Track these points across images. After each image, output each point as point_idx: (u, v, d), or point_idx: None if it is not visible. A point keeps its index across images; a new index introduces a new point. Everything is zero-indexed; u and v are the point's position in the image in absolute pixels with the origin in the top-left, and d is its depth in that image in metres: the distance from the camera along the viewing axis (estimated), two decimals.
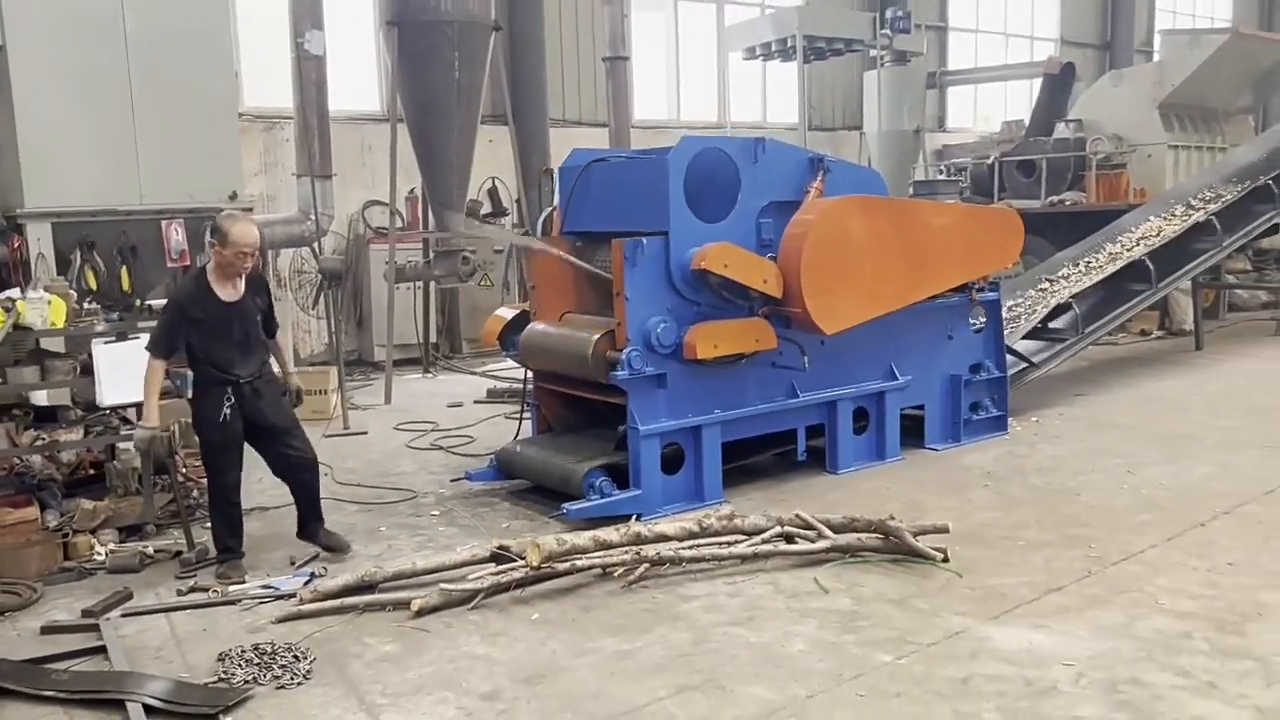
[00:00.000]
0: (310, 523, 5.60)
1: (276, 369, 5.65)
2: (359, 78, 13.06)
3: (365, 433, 8.56)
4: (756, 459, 6.82)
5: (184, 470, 6.56)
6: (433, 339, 12.10)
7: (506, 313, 7.02)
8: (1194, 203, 10.78)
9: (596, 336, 6.07)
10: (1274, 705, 3.65)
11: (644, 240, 5.99)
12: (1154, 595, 4.66)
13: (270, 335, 5.60)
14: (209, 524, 5.46)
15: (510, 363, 7.25)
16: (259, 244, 5.35)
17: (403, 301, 11.31)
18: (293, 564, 5.38)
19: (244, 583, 5.11)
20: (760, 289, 6.17)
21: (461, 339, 12.82)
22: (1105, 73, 16.91)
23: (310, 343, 12.43)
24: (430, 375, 11.48)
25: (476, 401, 9.77)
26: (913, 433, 7.39)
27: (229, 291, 5.27)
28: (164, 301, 5.67)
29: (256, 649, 4.22)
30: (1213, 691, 3.77)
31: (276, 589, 5.00)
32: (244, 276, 5.32)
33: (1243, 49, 14.01)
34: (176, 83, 8.33)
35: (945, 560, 5.06)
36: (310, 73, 9.91)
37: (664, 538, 5.18)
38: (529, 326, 6.73)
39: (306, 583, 5.02)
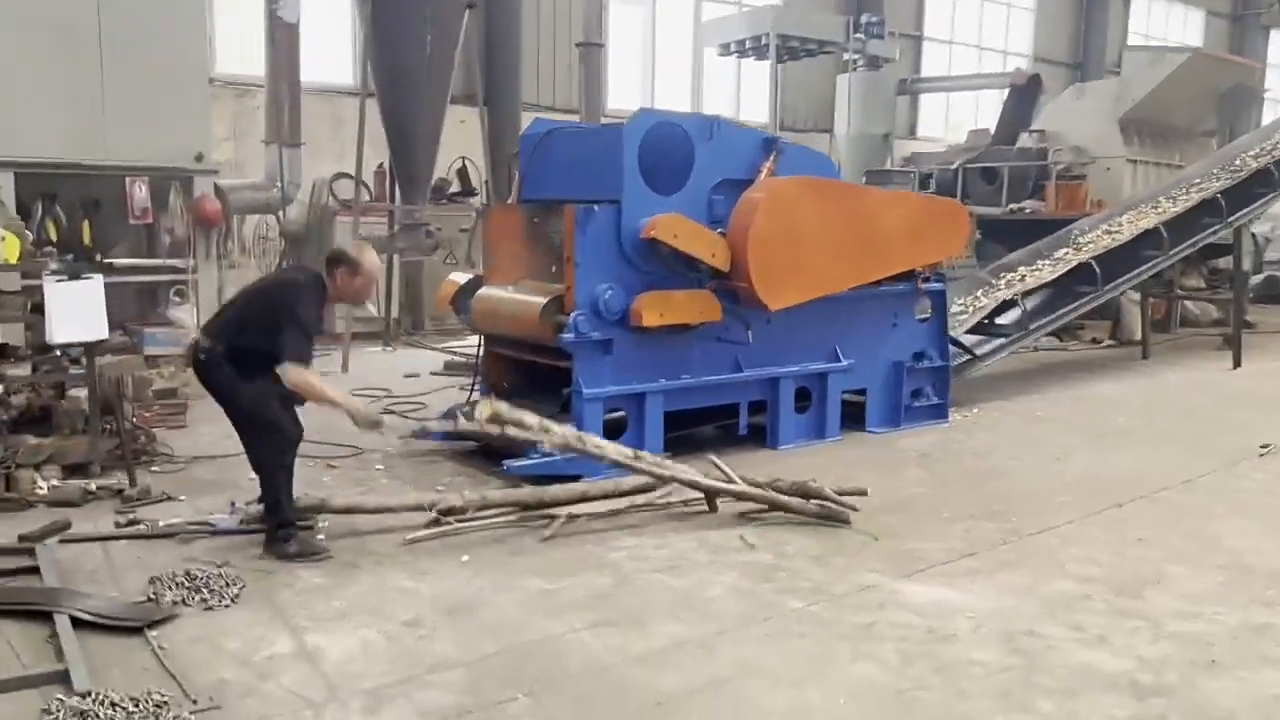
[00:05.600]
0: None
1: None
2: (334, 51, 13.13)
3: None
4: (698, 430, 6.97)
5: (132, 418, 6.63)
6: (394, 314, 12.17)
7: (460, 277, 7.14)
8: (1144, 211, 11.06)
9: (546, 300, 6.20)
10: (1156, 656, 3.85)
11: (595, 207, 6.12)
12: (1062, 562, 4.86)
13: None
14: (153, 468, 5.48)
15: (471, 339, 7.35)
16: None
17: None
18: (233, 506, 5.46)
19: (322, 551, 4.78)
20: (708, 261, 6.32)
21: (424, 315, 12.88)
22: None
23: None
24: (390, 349, 11.53)
25: (433, 373, 9.86)
26: (854, 417, 7.56)
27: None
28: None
29: (188, 574, 4.32)
30: (1101, 644, 3.96)
31: (214, 526, 5.10)
32: None
33: (1203, 68, 14.36)
34: (148, 41, 8.39)
35: (854, 512, 5.34)
36: (283, 40, 10.00)
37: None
38: (480, 290, 6.85)
39: (242, 522, 5.13)
